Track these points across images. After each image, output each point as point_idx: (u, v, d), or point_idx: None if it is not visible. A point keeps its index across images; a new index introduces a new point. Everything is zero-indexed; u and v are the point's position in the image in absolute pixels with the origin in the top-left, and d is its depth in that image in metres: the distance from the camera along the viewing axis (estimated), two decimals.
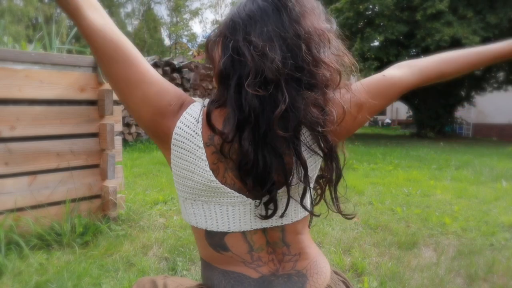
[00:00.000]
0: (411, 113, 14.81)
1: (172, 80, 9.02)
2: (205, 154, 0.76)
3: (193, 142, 0.76)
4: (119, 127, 3.17)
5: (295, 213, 0.85)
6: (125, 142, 7.68)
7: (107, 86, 2.97)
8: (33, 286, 2.05)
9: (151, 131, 0.80)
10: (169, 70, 8.94)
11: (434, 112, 13.12)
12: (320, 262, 0.91)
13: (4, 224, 2.47)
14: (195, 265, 2.43)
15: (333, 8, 11.17)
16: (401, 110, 19.50)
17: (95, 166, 3.01)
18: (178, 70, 9.19)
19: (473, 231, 3.10)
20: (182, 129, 0.76)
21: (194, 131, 0.76)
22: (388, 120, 21.36)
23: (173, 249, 2.61)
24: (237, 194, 0.79)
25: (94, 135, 2.99)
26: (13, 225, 2.51)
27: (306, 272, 0.88)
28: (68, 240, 2.59)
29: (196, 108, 0.78)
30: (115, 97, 3.03)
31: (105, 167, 2.99)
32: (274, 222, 0.83)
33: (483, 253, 2.67)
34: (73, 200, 2.82)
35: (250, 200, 0.80)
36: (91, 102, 2.97)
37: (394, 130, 17.66)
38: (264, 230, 0.83)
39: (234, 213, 0.81)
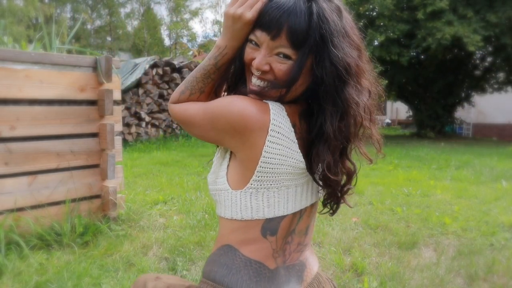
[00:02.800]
0: (411, 113, 14.80)
1: (172, 80, 9.02)
2: (295, 137, 0.84)
3: (286, 126, 0.82)
4: (119, 127, 3.17)
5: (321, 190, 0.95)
6: (125, 142, 7.68)
7: (107, 86, 2.97)
8: (33, 286, 2.05)
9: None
10: (169, 70, 8.94)
11: (434, 112, 13.12)
12: (312, 250, 1.01)
13: (4, 224, 2.47)
14: (195, 265, 2.43)
15: None
16: (401, 110, 19.48)
17: (95, 166, 3.01)
18: (178, 70, 9.19)
19: (473, 231, 3.10)
20: (276, 115, 0.82)
21: (283, 117, 0.83)
22: (388, 120, 21.37)
23: (173, 249, 2.61)
24: (307, 172, 0.87)
25: (94, 135, 2.99)
26: (13, 225, 2.51)
27: (305, 261, 0.96)
28: (68, 240, 2.59)
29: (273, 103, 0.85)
30: (115, 97, 3.03)
31: (105, 167, 2.99)
32: (315, 196, 0.93)
33: (483, 253, 2.66)
34: (73, 200, 2.82)
35: (311, 176, 0.88)
36: (91, 102, 2.97)
37: (394, 130, 17.66)
38: (301, 212, 0.90)
39: (302, 190, 0.89)
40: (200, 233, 2.90)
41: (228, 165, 0.89)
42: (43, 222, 2.66)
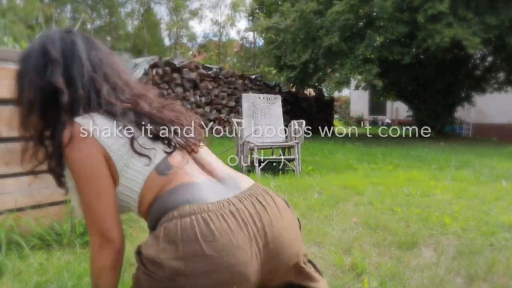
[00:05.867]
0: (411, 113, 14.80)
1: (172, 80, 9.03)
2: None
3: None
4: None
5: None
6: None
7: None
8: (33, 286, 2.05)
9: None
10: (169, 70, 8.94)
11: (434, 112, 13.12)
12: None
13: (5, 224, 2.47)
14: None
15: (333, 11, 11.10)
16: (401, 110, 19.48)
17: None
18: (178, 70, 9.19)
19: (473, 231, 3.10)
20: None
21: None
22: (388, 120, 21.37)
23: None
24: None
25: None
26: (13, 225, 2.51)
27: (235, 175, 1.20)
28: (68, 240, 2.59)
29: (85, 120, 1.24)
30: None
31: None
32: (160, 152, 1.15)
33: (483, 253, 2.66)
34: None
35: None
36: None
37: (394, 130, 17.66)
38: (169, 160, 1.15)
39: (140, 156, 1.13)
40: None
41: None
42: (43, 222, 2.66)
